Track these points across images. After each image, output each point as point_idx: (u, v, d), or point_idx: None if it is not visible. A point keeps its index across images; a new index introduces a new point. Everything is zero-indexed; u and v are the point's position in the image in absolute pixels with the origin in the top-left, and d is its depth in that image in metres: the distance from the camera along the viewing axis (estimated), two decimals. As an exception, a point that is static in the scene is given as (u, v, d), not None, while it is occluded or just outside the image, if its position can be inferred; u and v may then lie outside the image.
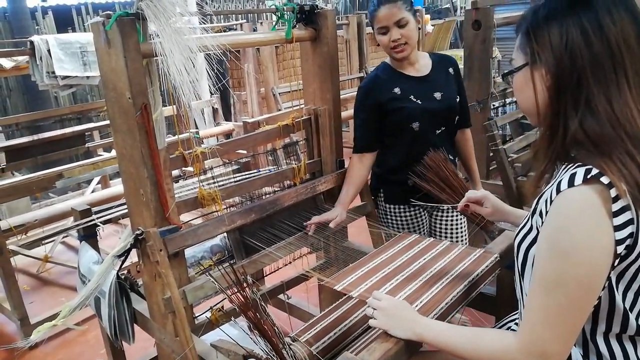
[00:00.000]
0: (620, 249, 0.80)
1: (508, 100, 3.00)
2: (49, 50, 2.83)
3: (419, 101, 1.83)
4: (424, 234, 2.03)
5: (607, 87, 0.82)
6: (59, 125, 4.43)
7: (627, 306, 0.88)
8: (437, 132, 1.89)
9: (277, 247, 1.63)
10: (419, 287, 1.35)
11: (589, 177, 0.80)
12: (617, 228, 0.79)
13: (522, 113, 2.83)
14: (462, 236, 2.05)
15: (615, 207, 0.79)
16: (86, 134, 3.96)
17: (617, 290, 0.86)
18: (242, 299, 1.09)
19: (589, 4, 0.84)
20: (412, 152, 1.85)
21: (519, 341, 0.88)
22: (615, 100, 0.82)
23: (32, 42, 2.83)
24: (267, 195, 1.72)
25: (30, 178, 2.63)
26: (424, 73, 1.88)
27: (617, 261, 0.82)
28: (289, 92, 4.79)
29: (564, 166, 0.89)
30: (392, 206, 1.98)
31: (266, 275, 1.99)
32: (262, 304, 1.11)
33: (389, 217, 2.01)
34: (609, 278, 0.84)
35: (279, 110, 4.64)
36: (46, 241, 3.14)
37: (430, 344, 1.05)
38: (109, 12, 1.20)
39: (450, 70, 1.94)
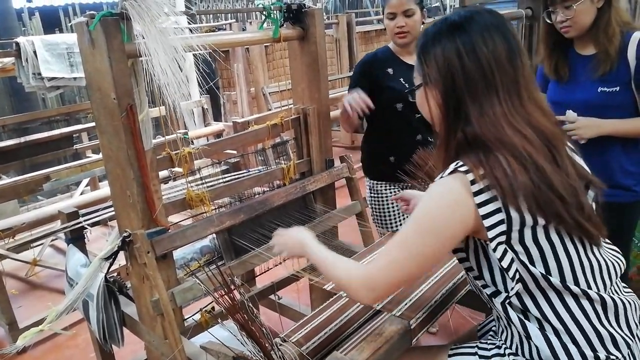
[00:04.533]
0: (489, 222, 0.92)
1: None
2: (35, 52, 2.80)
3: (407, 84, 1.97)
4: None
5: (480, 103, 0.95)
6: (46, 127, 4.37)
7: (554, 273, 0.96)
8: (417, 115, 2.01)
9: (267, 247, 1.63)
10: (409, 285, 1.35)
11: (453, 168, 0.95)
12: (480, 205, 0.92)
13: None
14: None
15: (474, 188, 0.92)
16: (74, 135, 3.93)
17: (534, 264, 0.95)
18: (230, 301, 1.08)
19: (464, 28, 0.97)
20: (395, 130, 2.03)
21: (362, 272, 1.02)
22: (487, 114, 0.95)
23: (17, 44, 2.79)
24: (257, 196, 1.71)
25: (17, 181, 2.61)
26: None
27: (498, 235, 0.93)
28: (279, 91, 4.78)
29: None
30: (375, 182, 2.12)
31: (257, 276, 1.98)
32: (250, 305, 1.10)
33: (372, 193, 2.14)
34: (479, 249, 1.00)
35: (269, 110, 4.62)
36: (35, 244, 3.10)
37: (310, 260, 1.18)
38: (92, 12, 1.18)
39: None
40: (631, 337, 1.00)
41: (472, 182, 0.92)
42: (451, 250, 1.02)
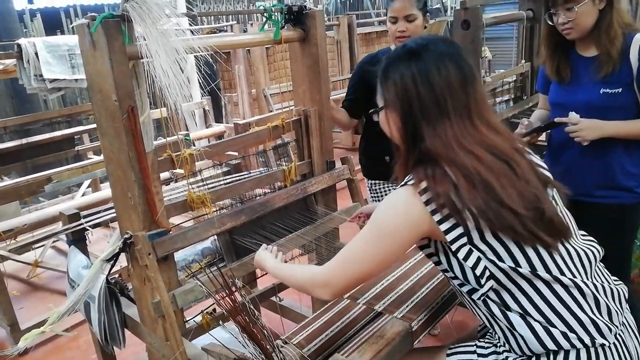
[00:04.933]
0: (445, 226, 0.98)
1: (498, 100, 3.00)
2: (36, 53, 2.80)
3: None
4: None
5: (434, 126, 1.01)
6: (48, 128, 4.36)
7: (523, 265, 0.99)
8: None
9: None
10: (410, 287, 1.36)
11: (405, 181, 1.03)
12: (433, 212, 0.98)
13: (512, 112, 2.85)
14: None
15: (424, 198, 0.99)
16: (75, 137, 3.92)
17: (502, 260, 0.99)
18: (231, 303, 1.08)
19: (420, 56, 1.03)
20: None
21: (321, 271, 1.10)
22: (439, 135, 1.01)
23: (19, 45, 2.79)
24: (258, 197, 1.71)
25: (19, 182, 2.61)
26: None
27: (458, 238, 0.98)
28: (280, 93, 4.78)
29: None
30: (373, 182, 2.18)
31: (258, 278, 1.98)
32: (252, 307, 1.10)
33: (372, 193, 2.21)
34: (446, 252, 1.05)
35: (271, 111, 4.62)
36: (36, 246, 3.10)
37: (273, 275, 1.27)
38: (94, 14, 1.18)
39: None
40: (612, 323, 1.01)
41: (420, 194, 0.99)
42: (421, 253, 1.10)
